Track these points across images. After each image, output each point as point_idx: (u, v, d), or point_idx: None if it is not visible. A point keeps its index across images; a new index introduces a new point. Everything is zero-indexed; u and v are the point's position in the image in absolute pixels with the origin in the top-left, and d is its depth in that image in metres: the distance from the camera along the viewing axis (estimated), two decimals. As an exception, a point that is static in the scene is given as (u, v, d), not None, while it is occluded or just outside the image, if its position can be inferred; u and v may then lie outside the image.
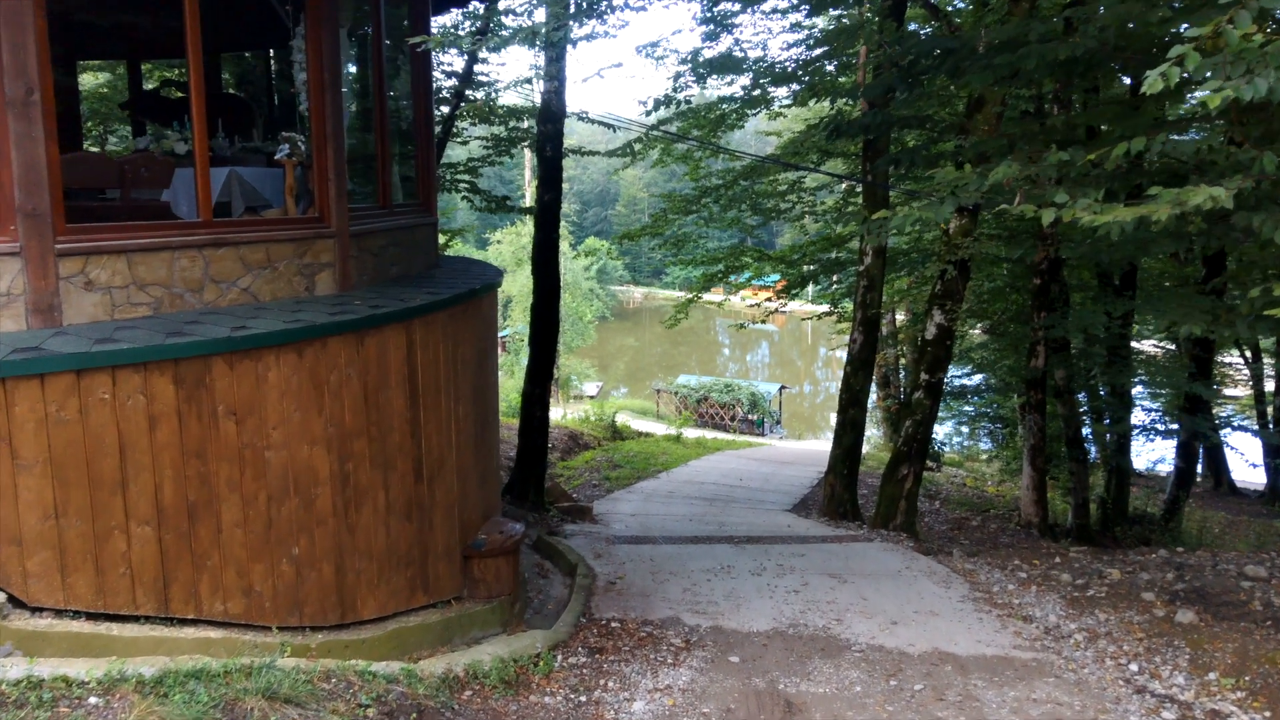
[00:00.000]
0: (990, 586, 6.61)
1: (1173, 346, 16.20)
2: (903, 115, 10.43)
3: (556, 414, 30.78)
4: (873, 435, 34.79)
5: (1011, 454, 21.09)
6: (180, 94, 8.24)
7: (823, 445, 38.03)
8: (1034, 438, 12.37)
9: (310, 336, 4.16)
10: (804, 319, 18.58)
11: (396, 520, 4.76)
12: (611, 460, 15.40)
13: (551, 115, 9.27)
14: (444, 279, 5.78)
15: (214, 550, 3.94)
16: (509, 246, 57.28)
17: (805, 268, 16.01)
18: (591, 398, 54.57)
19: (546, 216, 9.38)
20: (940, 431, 30.20)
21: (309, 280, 4.69)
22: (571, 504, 9.89)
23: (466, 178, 11.61)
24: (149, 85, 9.70)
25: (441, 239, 17.12)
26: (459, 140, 12.24)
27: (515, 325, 55.17)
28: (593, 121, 10.59)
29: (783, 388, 51.61)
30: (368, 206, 5.47)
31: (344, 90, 5.12)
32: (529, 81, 11.53)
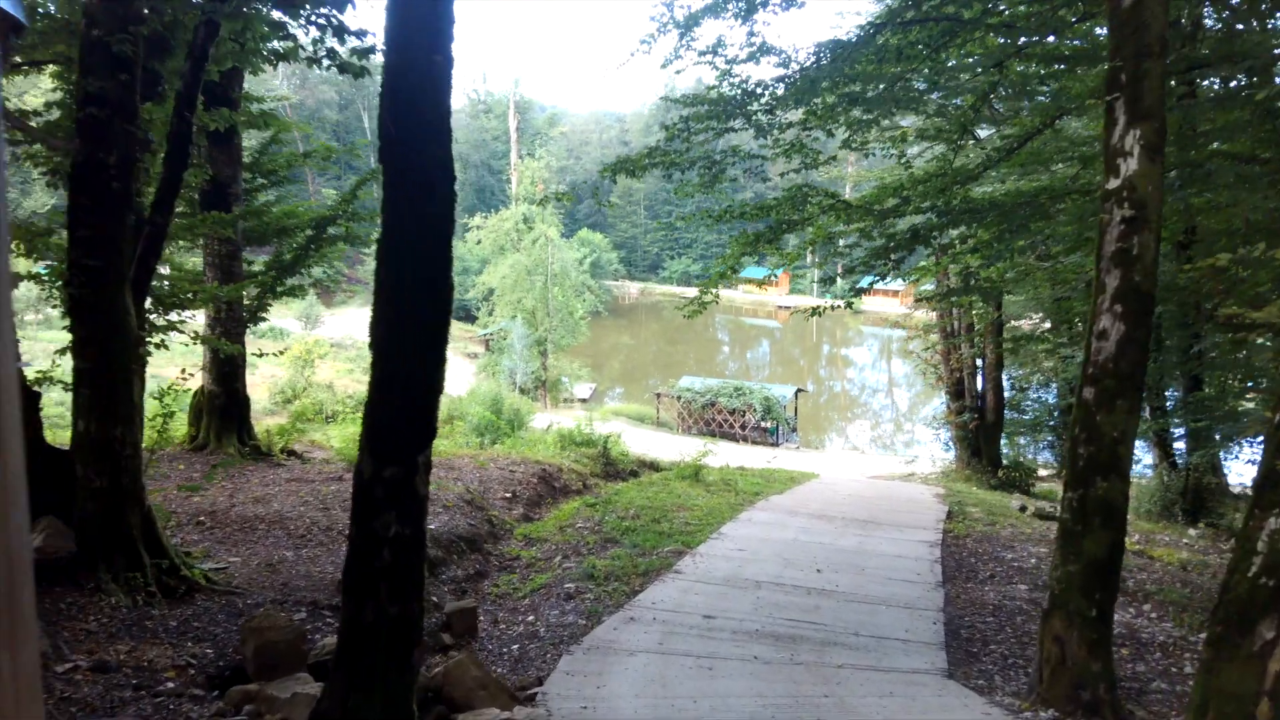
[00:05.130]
0: None
1: None
2: None
3: (543, 422, 24.91)
4: (927, 452, 28.96)
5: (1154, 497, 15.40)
6: None
7: (871, 463, 32.36)
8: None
9: None
10: (893, 324, 12.86)
11: None
12: (600, 529, 9.65)
13: None
14: None
15: None
16: (489, 234, 51.44)
17: (899, 224, 10.26)
18: (584, 401, 48.84)
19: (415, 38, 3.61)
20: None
21: None
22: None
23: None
24: None
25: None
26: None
27: (499, 321, 49.41)
28: None
29: (799, 390, 46.08)
30: None
31: None
32: None
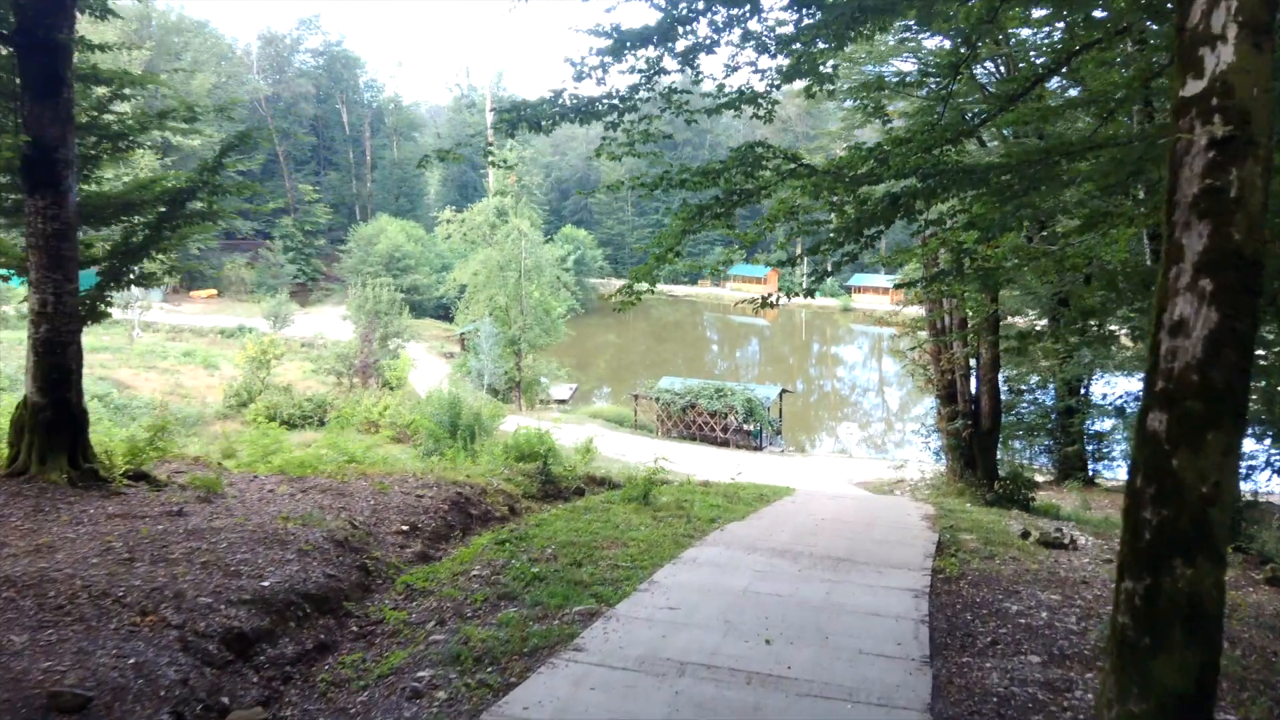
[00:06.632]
0: None
1: None
2: None
3: (513, 426, 22.79)
4: (919, 462, 26.97)
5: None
6: None
7: (858, 468, 30.20)
8: None
9: None
10: (876, 320, 10.80)
11: None
12: (499, 578, 7.64)
13: None
14: None
15: None
16: (460, 228, 49.31)
17: (875, 191, 8.30)
18: (562, 402, 46.76)
19: None
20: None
21: None
22: None
23: None
24: None
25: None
26: None
27: (473, 319, 47.26)
28: None
29: (784, 390, 44.20)
30: None
31: None
32: None
